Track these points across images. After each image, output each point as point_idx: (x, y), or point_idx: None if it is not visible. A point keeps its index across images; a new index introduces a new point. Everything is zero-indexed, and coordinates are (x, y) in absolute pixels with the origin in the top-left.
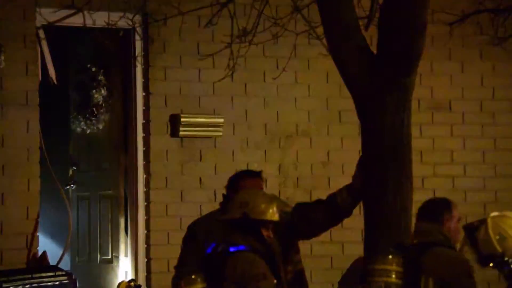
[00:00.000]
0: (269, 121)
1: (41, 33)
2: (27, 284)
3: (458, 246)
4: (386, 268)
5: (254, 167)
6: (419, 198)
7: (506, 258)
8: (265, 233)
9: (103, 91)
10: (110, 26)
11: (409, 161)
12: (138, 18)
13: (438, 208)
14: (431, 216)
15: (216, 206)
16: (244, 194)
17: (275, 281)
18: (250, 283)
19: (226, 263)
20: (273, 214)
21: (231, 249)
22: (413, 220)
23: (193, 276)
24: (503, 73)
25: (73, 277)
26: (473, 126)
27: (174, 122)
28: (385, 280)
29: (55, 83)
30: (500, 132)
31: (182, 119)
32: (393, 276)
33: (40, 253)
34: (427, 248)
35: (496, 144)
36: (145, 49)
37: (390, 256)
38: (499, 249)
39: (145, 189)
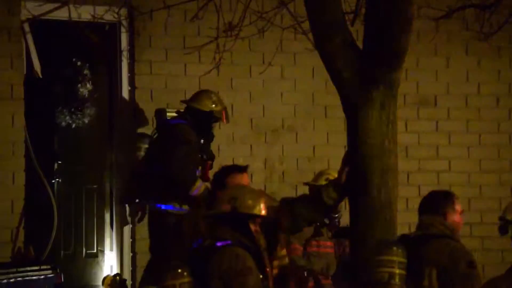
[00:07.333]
0: (255, 116)
1: (26, 27)
2: (11, 278)
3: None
4: (390, 259)
5: (240, 162)
6: (404, 193)
7: None
8: (252, 228)
9: (88, 85)
10: (95, 20)
11: (394, 156)
12: (123, 11)
13: (438, 201)
14: (432, 208)
15: None
16: (232, 189)
17: (261, 276)
18: (236, 278)
19: (213, 257)
20: (261, 209)
21: (218, 244)
22: (398, 214)
23: (179, 270)
24: (488, 68)
25: (58, 271)
26: (458, 122)
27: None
28: (389, 271)
29: (40, 77)
30: (485, 128)
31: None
32: (396, 266)
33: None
34: (429, 240)
35: (481, 140)
36: (131, 43)
37: (394, 248)
38: None
39: None
